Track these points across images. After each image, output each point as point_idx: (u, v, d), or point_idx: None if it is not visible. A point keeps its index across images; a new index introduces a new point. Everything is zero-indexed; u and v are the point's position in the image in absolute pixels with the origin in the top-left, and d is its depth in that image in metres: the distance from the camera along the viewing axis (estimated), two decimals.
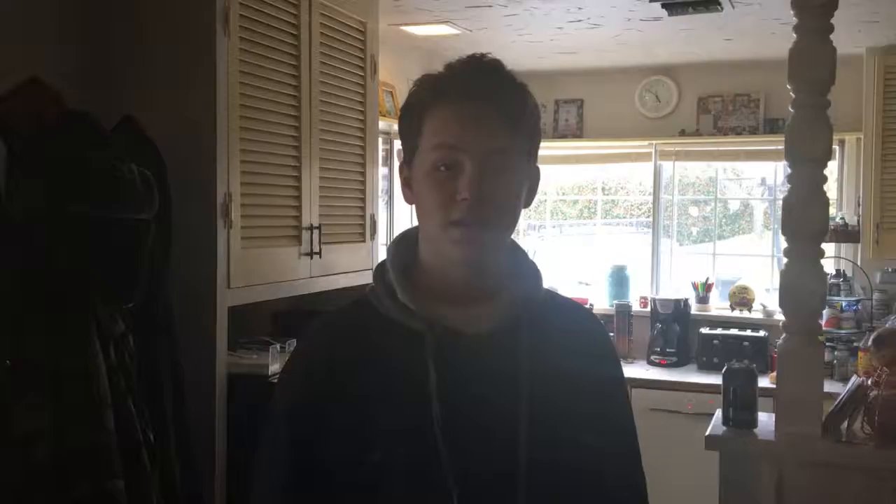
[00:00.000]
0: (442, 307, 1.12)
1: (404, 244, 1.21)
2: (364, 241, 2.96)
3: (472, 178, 1.07)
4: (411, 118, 1.14)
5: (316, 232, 2.60)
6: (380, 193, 3.30)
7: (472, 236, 1.09)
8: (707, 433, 2.28)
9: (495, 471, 1.08)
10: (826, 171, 2.28)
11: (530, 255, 1.25)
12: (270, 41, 2.41)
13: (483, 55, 1.14)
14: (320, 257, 2.63)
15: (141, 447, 1.82)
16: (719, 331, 4.71)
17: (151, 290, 1.94)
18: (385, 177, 4.17)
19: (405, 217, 4.48)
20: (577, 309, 1.30)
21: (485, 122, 1.09)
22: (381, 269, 1.20)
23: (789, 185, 2.30)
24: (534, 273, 1.20)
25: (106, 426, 1.72)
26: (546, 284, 1.23)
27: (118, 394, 1.79)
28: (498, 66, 1.13)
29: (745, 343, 4.59)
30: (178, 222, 2.06)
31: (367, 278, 2.99)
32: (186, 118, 2.21)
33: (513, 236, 1.20)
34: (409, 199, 1.17)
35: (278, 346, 2.43)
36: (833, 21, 2.23)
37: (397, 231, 4.35)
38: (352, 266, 2.88)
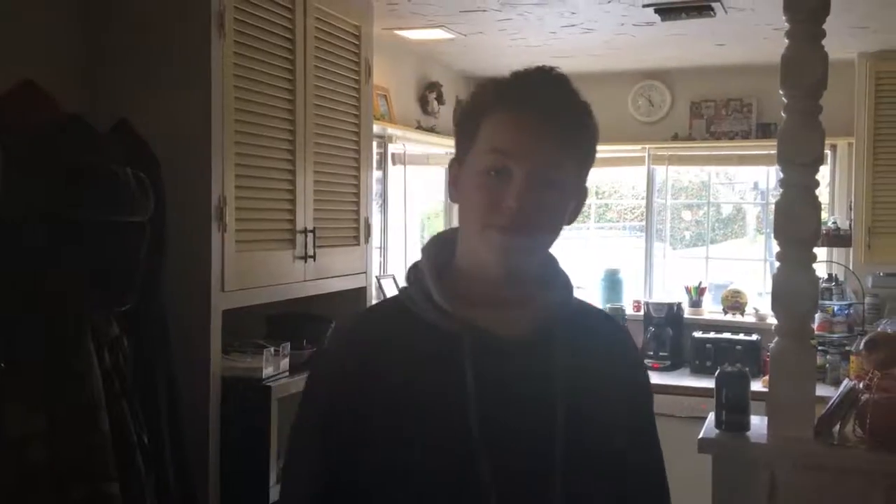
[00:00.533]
0: (476, 310, 1.12)
1: (439, 246, 1.21)
2: (358, 244, 2.96)
3: (520, 188, 1.07)
4: (470, 118, 1.14)
5: (310, 235, 2.60)
6: (374, 197, 3.31)
7: (509, 244, 1.09)
8: (700, 436, 2.29)
9: (532, 473, 1.08)
10: (818, 176, 2.29)
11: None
12: (265, 44, 2.41)
13: (552, 68, 1.13)
14: (314, 260, 2.64)
15: (135, 449, 1.82)
16: (712, 334, 4.72)
17: (146, 292, 1.94)
18: (379, 180, 4.17)
19: (399, 221, 4.48)
20: (606, 317, 1.32)
21: (542, 134, 1.09)
22: (414, 270, 1.20)
23: (781, 190, 2.31)
24: (566, 282, 1.20)
25: (100, 428, 1.72)
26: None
27: (112, 396, 1.79)
28: (564, 81, 1.13)
29: (738, 347, 4.60)
30: (173, 225, 2.07)
31: (361, 281, 3.00)
32: (181, 121, 2.22)
33: None
34: (454, 198, 1.17)
35: (272, 349, 2.43)
36: (825, 27, 2.24)
37: (391, 235, 4.37)
38: (346, 269, 2.88)
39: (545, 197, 1.09)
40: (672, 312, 4.86)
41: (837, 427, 2.23)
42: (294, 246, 2.56)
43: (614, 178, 5.83)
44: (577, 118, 1.13)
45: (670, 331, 4.83)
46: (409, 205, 4.61)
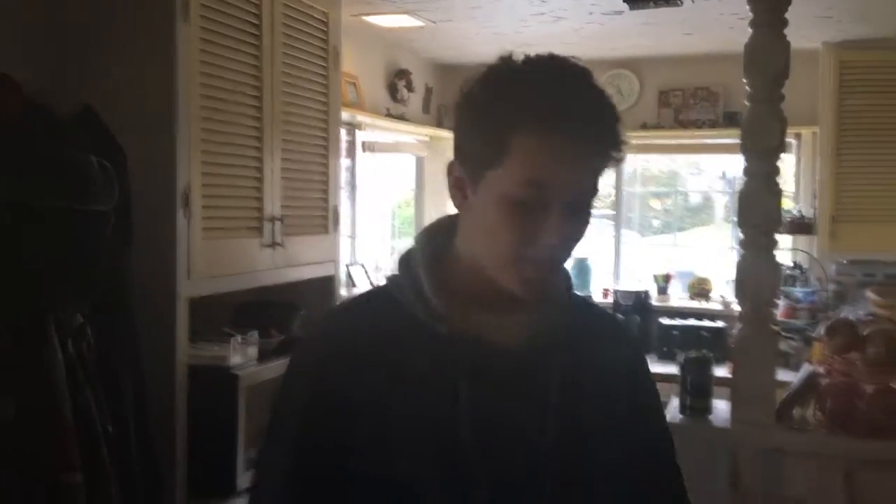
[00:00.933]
0: (474, 313, 1.04)
1: (437, 235, 1.10)
2: (327, 232, 2.96)
3: (560, 223, 0.97)
4: (492, 130, 0.97)
5: (278, 223, 2.59)
6: (342, 185, 3.30)
7: (542, 276, 1.01)
8: None
9: (527, 490, 1.02)
10: (783, 164, 2.32)
11: None
12: (231, 30, 2.39)
13: (572, 62, 1.01)
14: (282, 248, 2.63)
15: (100, 439, 1.81)
16: (679, 321, 4.78)
17: (111, 281, 1.93)
18: (348, 168, 4.16)
19: (369, 209, 4.47)
20: (607, 317, 1.26)
21: (582, 162, 0.97)
22: (407, 261, 1.09)
23: (745, 178, 2.34)
24: (566, 278, 1.13)
25: (64, 419, 1.71)
26: None
27: (76, 386, 1.77)
28: (594, 85, 1.00)
29: (704, 333, 4.65)
30: (138, 213, 2.05)
31: (330, 270, 3.00)
32: (146, 107, 2.20)
33: None
34: (459, 204, 1.05)
35: (239, 337, 2.42)
36: (789, 16, 2.27)
37: (361, 223, 4.36)
38: (314, 258, 2.88)
39: (580, 223, 1.01)
40: (640, 300, 4.91)
41: (798, 411, 2.28)
42: (261, 233, 2.54)
43: None
44: (616, 131, 0.99)
45: (638, 318, 4.87)
46: (380, 193, 4.60)
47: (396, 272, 1.10)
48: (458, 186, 1.03)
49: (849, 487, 2.15)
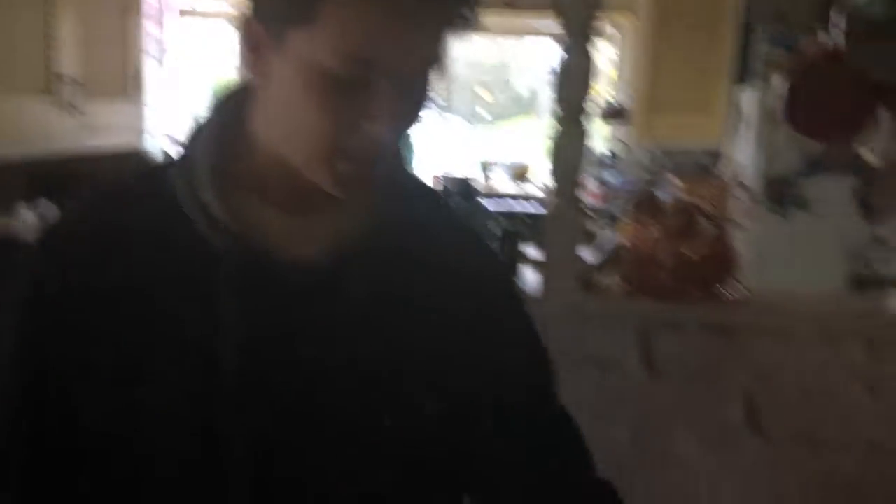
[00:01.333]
0: (265, 213, 0.83)
1: (232, 109, 0.86)
2: (130, 98, 2.76)
3: (390, 105, 0.75)
4: None
5: (73, 84, 2.39)
6: (153, 52, 3.08)
7: (365, 174, 0.80)
8: None
9: (312, 448, 0.82)
10: (607, 53, 2.35)
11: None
12: None
13: None
14: (80, 113, 2.43)
15: None
16: (503, 207, 4.90)
17: None
18: (157, 39, 3.88)
19: (187, 82, 4.22)
20: (443, 208, 1.02)
21: (421, 26, 0.74)
22: (191, 142, 0.86)
23: (562, 55, 2.36)
24: (394, 159, 0.89)
25: None
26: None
27: None
28: None
29: (527, 219, 4.79)
30: None
31: (135, 141, 2.82)
32: None
33: None
34: (254, 70, 0.79)
35: (30, 207, 2.25)
36: None
37: (176, 97, 4.10)
38: (116, 124, 2.69)
39: (414, 105, 0.79)
40: (466, 186, 4.97)
41: (602, 279, 2.39)
42: (54, 94, 2.34)
43: None
44: None
45: (465, 204, 4.95)
46: (200, 65, 4.36)
47: (176, 157, 0.87)
48: (253, 47, 0.78)
49: (644, 347, 2.30)
